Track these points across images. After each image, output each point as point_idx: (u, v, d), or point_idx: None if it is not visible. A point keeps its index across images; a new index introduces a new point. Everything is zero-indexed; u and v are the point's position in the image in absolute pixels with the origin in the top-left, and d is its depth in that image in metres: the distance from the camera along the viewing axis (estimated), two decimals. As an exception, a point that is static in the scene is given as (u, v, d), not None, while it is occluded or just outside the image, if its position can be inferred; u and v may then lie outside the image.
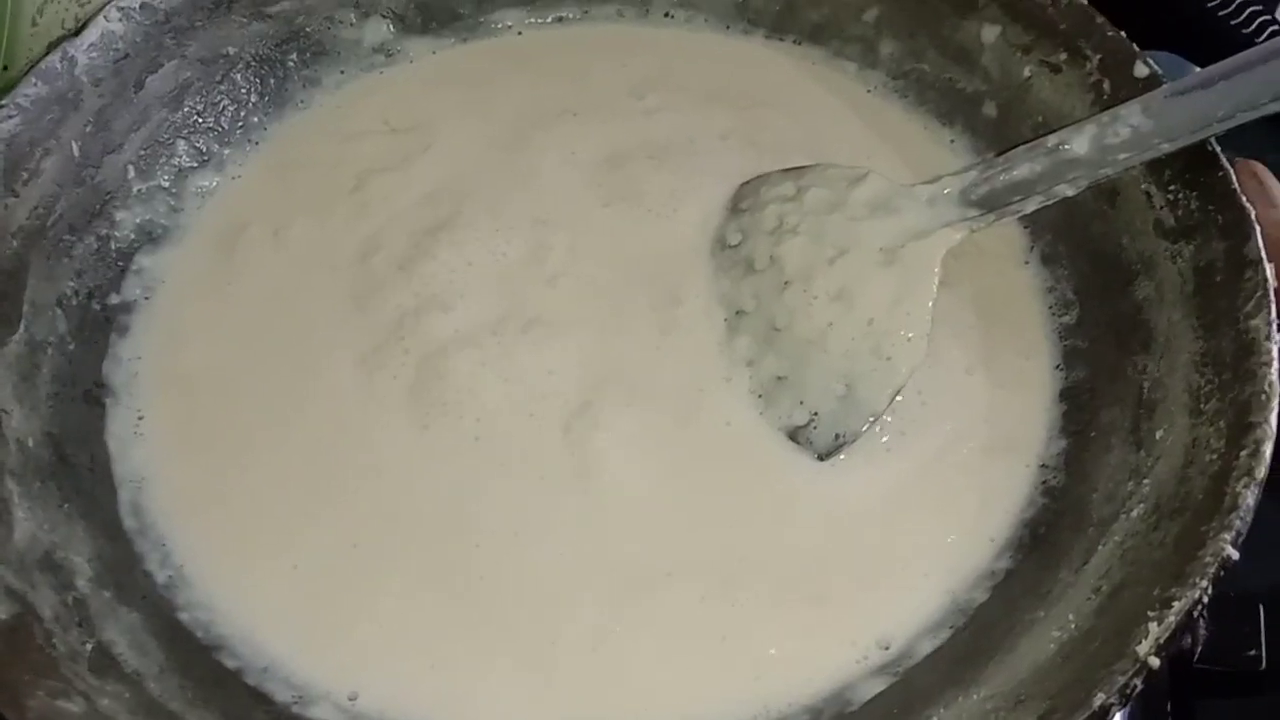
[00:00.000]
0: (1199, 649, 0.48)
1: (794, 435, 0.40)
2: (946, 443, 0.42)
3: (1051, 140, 0.40)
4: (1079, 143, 0.39)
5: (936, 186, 0.41)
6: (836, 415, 0.40)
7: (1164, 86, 0.39)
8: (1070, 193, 0.40)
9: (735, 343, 0.42)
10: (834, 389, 0.40)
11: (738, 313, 0.43)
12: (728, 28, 0.54)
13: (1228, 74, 0.37)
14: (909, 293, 0.40)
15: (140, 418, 0.43)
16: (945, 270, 0.45)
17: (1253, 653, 0.48)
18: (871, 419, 0.40)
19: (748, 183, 0.46)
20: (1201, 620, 0.49)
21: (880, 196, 0.42)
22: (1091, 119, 0.39)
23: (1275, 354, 0.36)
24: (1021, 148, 0.40)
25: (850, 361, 0.40)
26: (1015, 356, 0.44)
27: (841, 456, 0.40)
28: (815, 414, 0.40)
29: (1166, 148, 0.38)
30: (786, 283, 0.42)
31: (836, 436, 0.40)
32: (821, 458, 0.40)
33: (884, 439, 0.41)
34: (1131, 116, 0.39)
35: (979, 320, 0.45)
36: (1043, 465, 0.41)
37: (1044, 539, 0.38)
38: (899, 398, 0.40)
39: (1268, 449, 0.34)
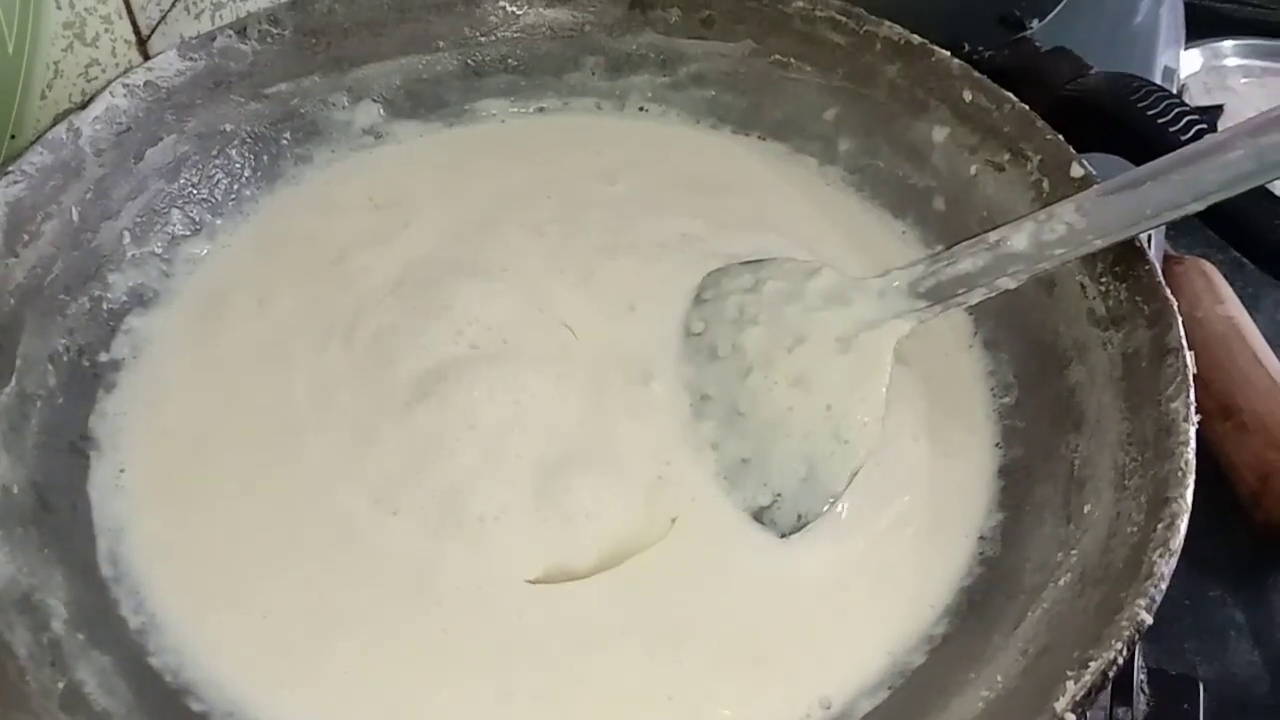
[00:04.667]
0: (1139, 723, 0.50)
1: (758, 515, 0.42)
2: (892, 516, 0.44)
3: (993, 236, 0.42)
4: (1018, 239, 0.41)
5: (886, 280, 0.43)
6: (799, 496, 0.42)
7: (1095, 186, 0.42)
8: (1011, 285, 0.42)
9: (701, 426, 0.44)
10: (796, 471, 0.42)
11: (703, 397, 0.45)
12: (698, 122, 0.57)
13: (1154, 175, 0.40)
14: (864, 379, 0.42)
15: (122, 470, 0.44)
16: (898, 350, 0.48)
17: (1190, 729, 0.50)
18: (831, 499, 0.42)
19: (710, 274, 0.48)
20: (1143, 694, 0.51)
21: (834, 289, 0.44)
22: (1029, 216, 0.42)
23: (1192, 435, 0.39)
24: (965, 243, 0.43)
25: (811, 444, 0.42)
26: (960, 434, 0.46)
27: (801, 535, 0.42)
28: (779, 495, 0.42)
29: (1099, 243, 0.41)
30: (748, 369, 0.44)
31: (799, 516, 0.42)
32: (784, 536, 0.42)
33: (837, 509, 0.43)
34: (1066, 214, 0.41)
35: (927, 400, 0.47)
36: (981, 537, 0.43)
37: (979, 605, 0.40)
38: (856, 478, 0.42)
39: (1183, 522, 0.36)
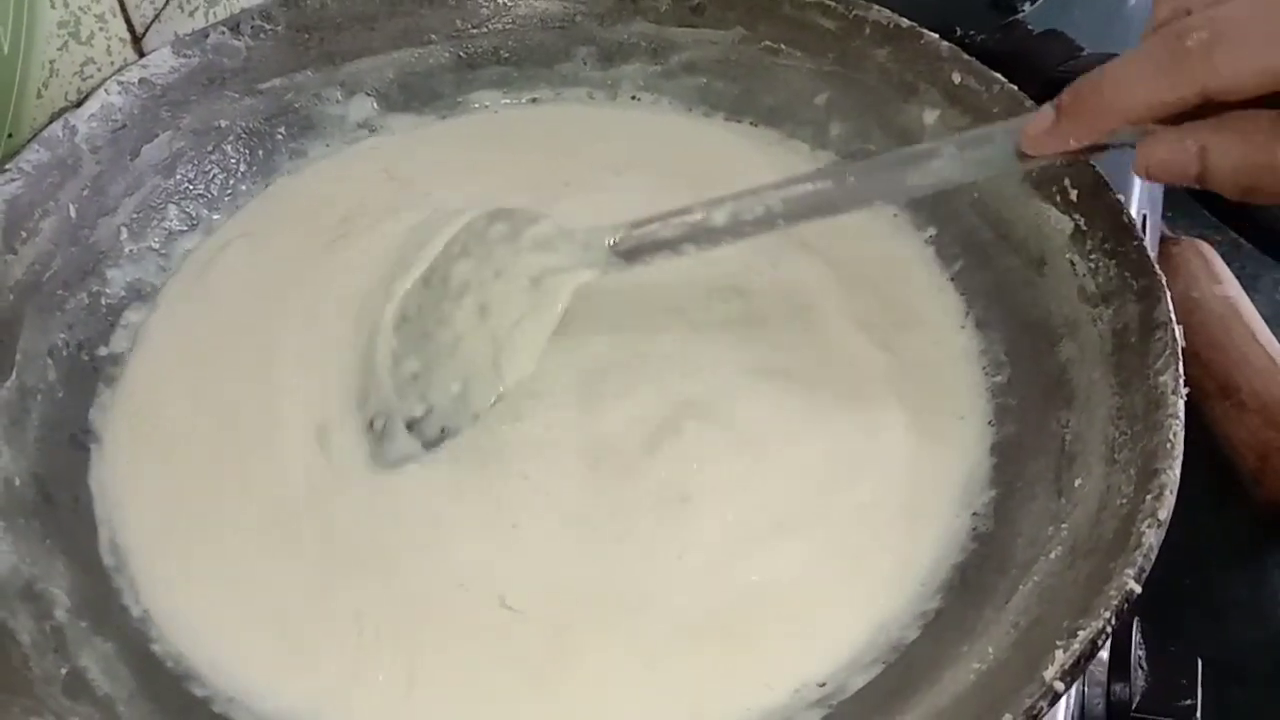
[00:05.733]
0: (1137, 698, 0.50)
1: (410, 425, 0.44)
2: (887, 497, 0.44)
3: (698, 213, 0.43)
4: (719, 216, 0.42)
5: (592, 234, 0.45)
6: (448, 411, 0.44)
7: (789, 177, 0.43)
8: (694, 251, 0.43)
9: (392, 340, 0.46)
10: (452, 389, 0.44)
11: (404, 318, 0.46)
12: (690, 110, 0.58)
13: (861, 170, 0.42)
14: (534, 315, 0.44)
15: (125, 462, 0.45)
16: (889, 337, 0.48)
17: (1188, 702, 0.50)
18: (475, 417, 0.44)
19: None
20: (1141, 671, 0.51)
21: (546, 236, 0.45)
22: (733, 196, 0.42)
23: (1181, 408, 0.39)
24: (672, 213, 0.43)
25: (471, 366, 0.44)
26: (952, 416, 0.46)
27: (440, 448, 0.44)
28: (431, 408, 0.44)
29: (782, 224, 0.42)
30: (446, 296, 0.45)
31: (443, 430, 0.44)
32: (426, 447, 0.44)
33: (824, 496, 0.44)
34: (769, 198, 0.42)
35: (920, 383, 0.47)
36: (974, 513, 0.43)
37: (972, 581, 0.40)
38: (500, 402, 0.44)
39: (1171, 493, 0.37)
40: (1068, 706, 0.46)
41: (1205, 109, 0.34)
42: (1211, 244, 0.78)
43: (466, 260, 0.46)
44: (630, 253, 0.44)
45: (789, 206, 0.42)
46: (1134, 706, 0.49)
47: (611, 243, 0.44)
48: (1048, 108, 0.37)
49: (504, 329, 0.43)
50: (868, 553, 0.42)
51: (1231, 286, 0.73)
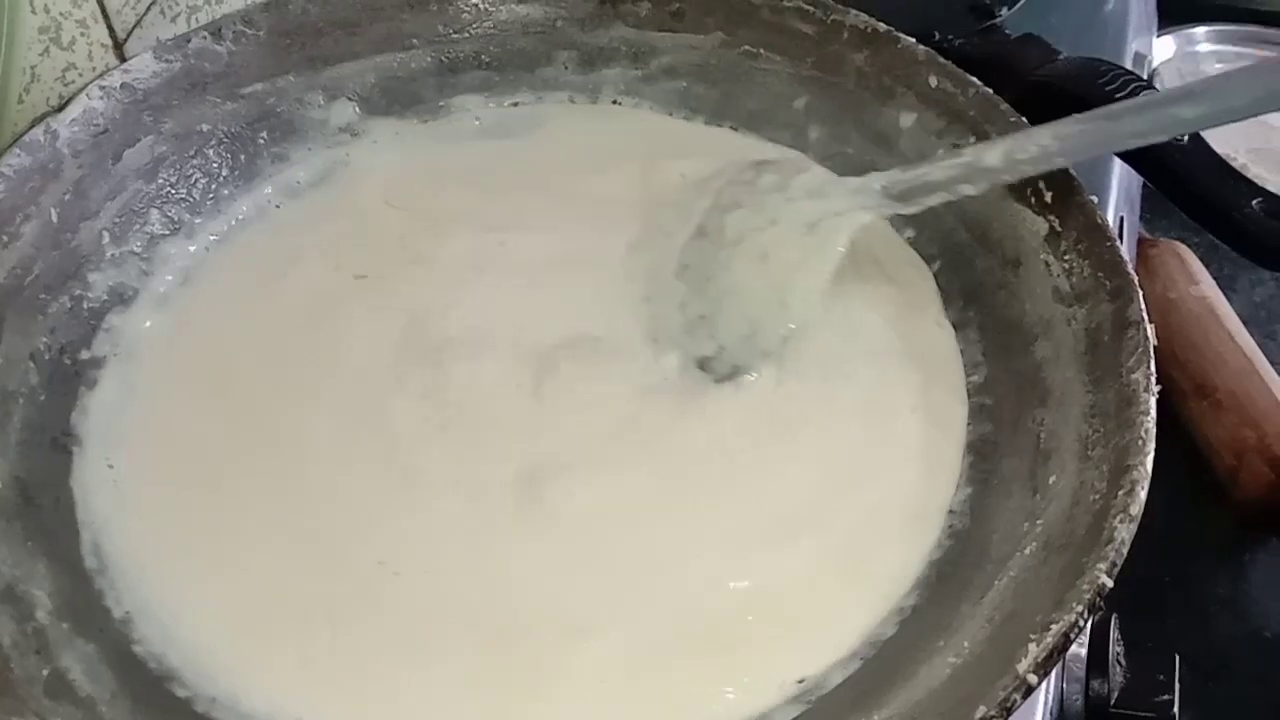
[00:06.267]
0: (1115, 694, 0.51)
1: (702, 364, 0.47)
2: (864, 497, 0.44)
3: (968, 153, 0.45)
4: (992, 155, 0.44)
5: (864, 180, 0.47)
6: (738, 350, 0.46)
7: (1073, 116, 0.44)
8: (972, 192, 0.45)
9: (676, 287, 0.48)
10: (740, 328, 0.46)
11: (684, 266, 0.49)
12: (670, 114, 0.58)
13: (1129, 110, 0.43)
14: (815, 253, 0.46)
15: (105, 465, 0.45)
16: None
17: (1166, 697, 0.51)
18: (765, 354, 0.46)
19: (722, 170, 0.52)
20: (1119, 667, 0.51)
21: (817, 184, 0.48)
22: (1006, 136, 0.45)
23: (1152, 404, 0.39)
24: (941, 156, 0.47)
25: (758, 308, 0.46)
26: (934, 416, 0.47)
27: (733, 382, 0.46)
28: (722, 348, 0.46)
29: (1061, 161, 0.44)
30: (724, 244, 0.48)
31: (734, 368, 0.46)
32: (718, 381, 0.46)
33: (802, 497, 0.44)
34: (1042, 138, 0.44)
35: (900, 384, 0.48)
36: (950, 511, 0.43)
37: (948, 576, 0.41)
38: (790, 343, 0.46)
39: (1143, 488, 0.37)
40: (1046, 702, 0.47)
41: None
42: (1189, 245, 0.79)
43: (739, 211, 0.48)
44: (903, 194, 0.46)
45: (1064, 144, 0.43)
46: (1112, 702, 0.50)
47: (883, 186, 0.46)
48: None
49: (786, 271, 0.46)
50: (845, 550, 0.43)
51: (1209, 287, 0.74)
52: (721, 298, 0.47)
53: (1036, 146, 0.43)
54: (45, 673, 0.37)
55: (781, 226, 0.47)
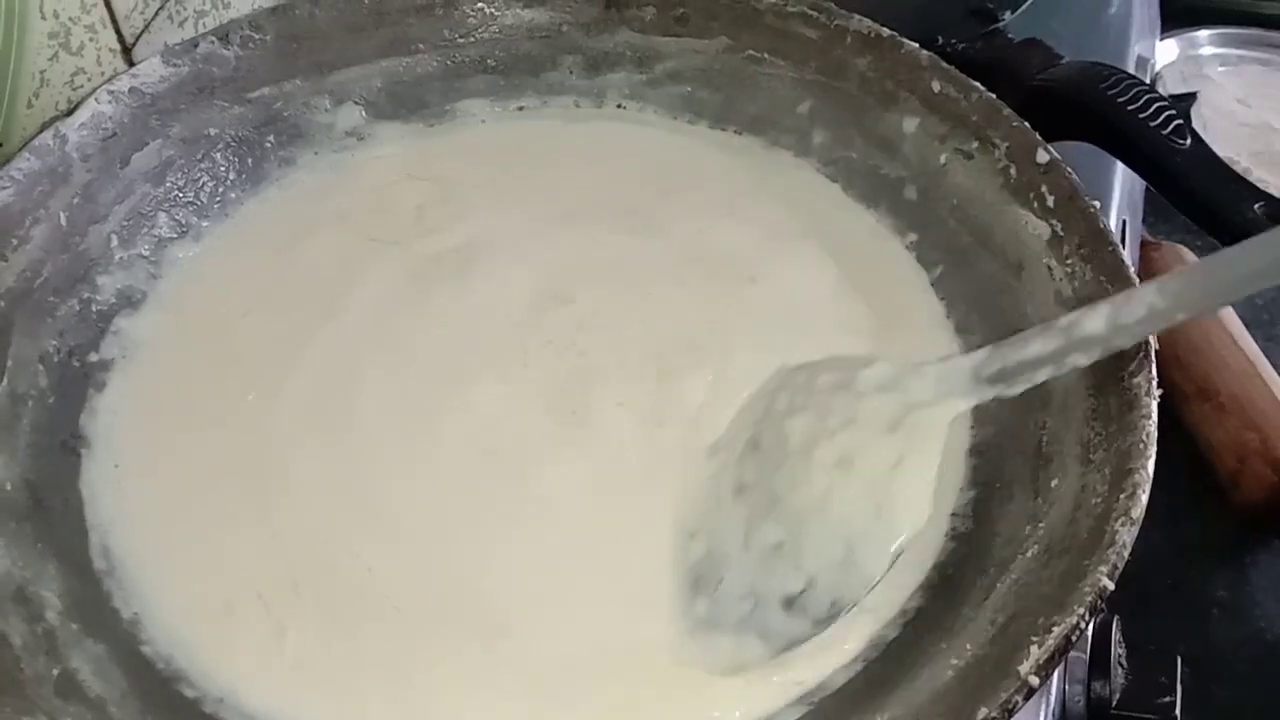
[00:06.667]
0: (1117, 696, 0.51)
1: (788, 604, 0.39)
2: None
3: (1064, 320, 0.39)
4: (1093, 322, 0.38)
5: (946, 366, 0.41)
6: (835, 580, 0.38)
7: (1179, 269, 0.41)
8: (1085, 362, 0.39)
9: (735, 512, 0.42)
10: (833, 552, 0.39)
11: (742, 487, 0.42)
12: (674, 118, 0.58)
13: (1236, 256, 0.37)
14: (911, 452, 0.39)
15: (113, 467, 0.45)
16: (871, 341, 0.49)
17: (1167, 699, 0.51)
18: (870, 583, 0.38)
19: (770, 381, 0.45)
20: (1120, 669, 0.52)
21: (888, 378, 0.41)
22: (1107, 300, 0.39)
23: (1154, 408, 0.40)
24: (1035, 329, 0.40)
25: (850, 524, 0.39)
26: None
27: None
28: (812, 579, 0.39)
29: (1181, 317, 0.37)
30: (789, 455, 0.41)
31: (832, 603, 0.38)
32: (817, 625, 0.39)
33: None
34: (1148, 296, 0.38)
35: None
36: (953, 514, 0.44)
37: (951, 579, 0.41)
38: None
39: (1144, 492, 0.37)
40: (1048, 704, 0.47)
41: None
42: (1191, 248, 0.79)
43: (801, 415, 0.41)
44: (999, 376, 0.39)
45: (1175, 301, 0.37)
46: (1114, 704, 0.50)
47: (973, 368, 0.40)
48: None
49: (881, 476, 0.39)
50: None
51: (1210, 291, 0.74)
52: (803, 517, 0.39)
53: (1144, 307, 0.37)
54: (55, 673, 0.37)
55: (858, 426, 0.40)
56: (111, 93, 0.50)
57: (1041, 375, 0.39)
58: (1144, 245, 0.77)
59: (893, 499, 0.38)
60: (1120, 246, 0.45)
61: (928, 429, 0.39)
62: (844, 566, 0.38)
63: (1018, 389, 0.39)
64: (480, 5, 0.57)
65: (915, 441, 0.39)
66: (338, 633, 0.41)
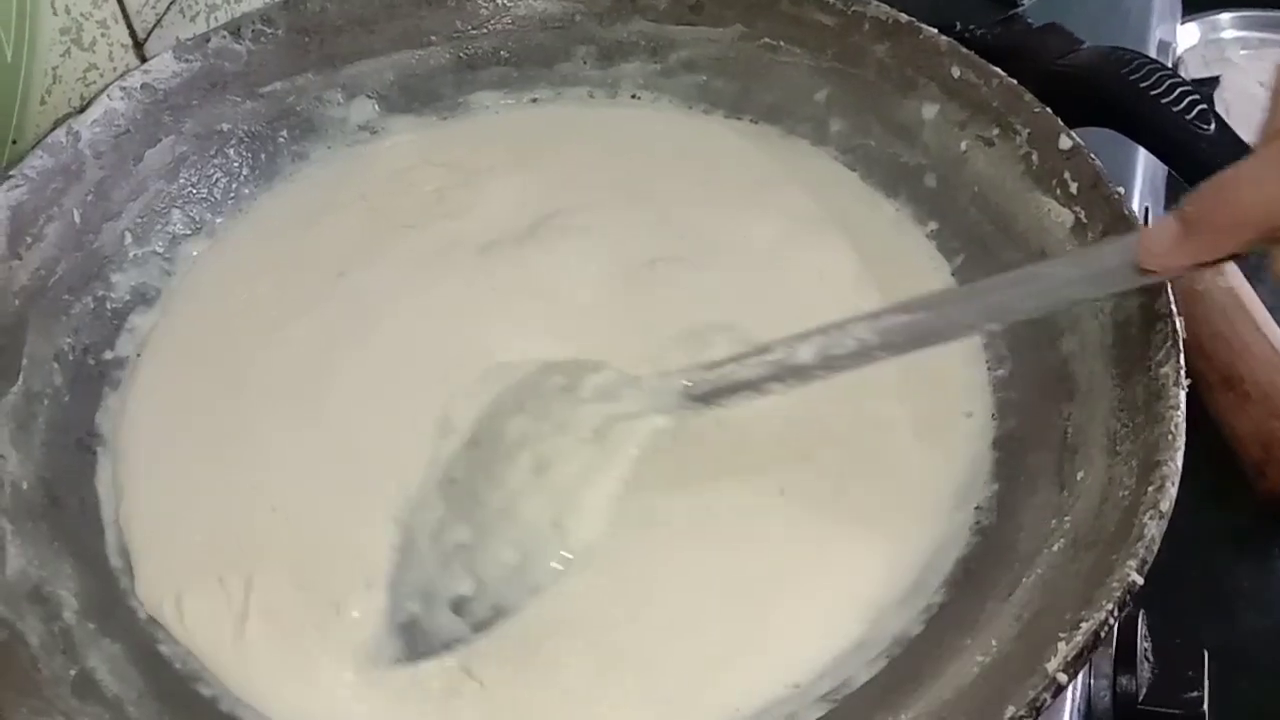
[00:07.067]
0: (1144, 691, 0.50)
1: (456, 607, 0.39)
2: (893, 492, 0.44)
3: (780, 350, 0.39)
4: (805, 351, 0.39)
5: (663, 381, 0.41)
6: (501, 586, 0.39)
7: (895, 304, 0.39)
8: (782, 391, 0.40)
9: (434, 507, 0.42)
10: (507, 558, 0.39)
11: (451, 481, 0.42)
12: (690, 108, 0.58)
13: (954, 299, 0.40)
14: (600, 466, 0.40)
15: (128, 465, 0.45)
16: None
17: (1195, 694, 0.50)
18: (533, 591, 0.38)
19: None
20: (1147, 663, 0.51)
21: (610, 385, 0.42)
22: (820, 330, 0.39)
23: (1182, 399, 0.39)
24: (752, 352, 0.40)
25: (528, 531, 0.39)
26: (960, 413, 0.46)
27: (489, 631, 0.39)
28: (482, 583, 0.39)
29: (882, 355, 0.39)
30: (497, 455, 0.41)
31: (493, 609, 0.39)
32: (475, 631, 0.39)
33: (831, 493, 0.44)
34: (859, 331, 0.39)
35: (924, 378, 0.47)
36: (977, 508, 0.43)
37: (975, 574, 0.41)
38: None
39: (1173, 484, 0.37)
40: (1074, 699, 0.46)
41: None
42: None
43: (521, 416, 0.42)
44: (706, 396, 0.40)
45: (885, 338, 0.38)
46: (1140, 699, 0.49)
47: (684, 385, 0.40)
48: (1169, 219, 0.34)
49: (566, 485, 0.39)
50: (873, 548, 0.43)
51: (1235, 277, 0.73)
52: (489, 520, 0.40)
53: (854, 340, 0.38)
54: (72, 673, 0.37)
55: (566, 433, 0.40)
56: (124, 89, 0.50)
57: (742, 399, 0.40)
58: (1167, 232, 0.76)
59: (571, 513, 0.39)
60: (1145, 234, 0.44)
61: (622, 443, 0.40)
62: (513, 574, 0.39)
63: (716, 407, 0.40)
64: (492, -4, 0.57)
65: (608, 453, 0.40)
66: (358, 632, 0.40)
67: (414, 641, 0.39)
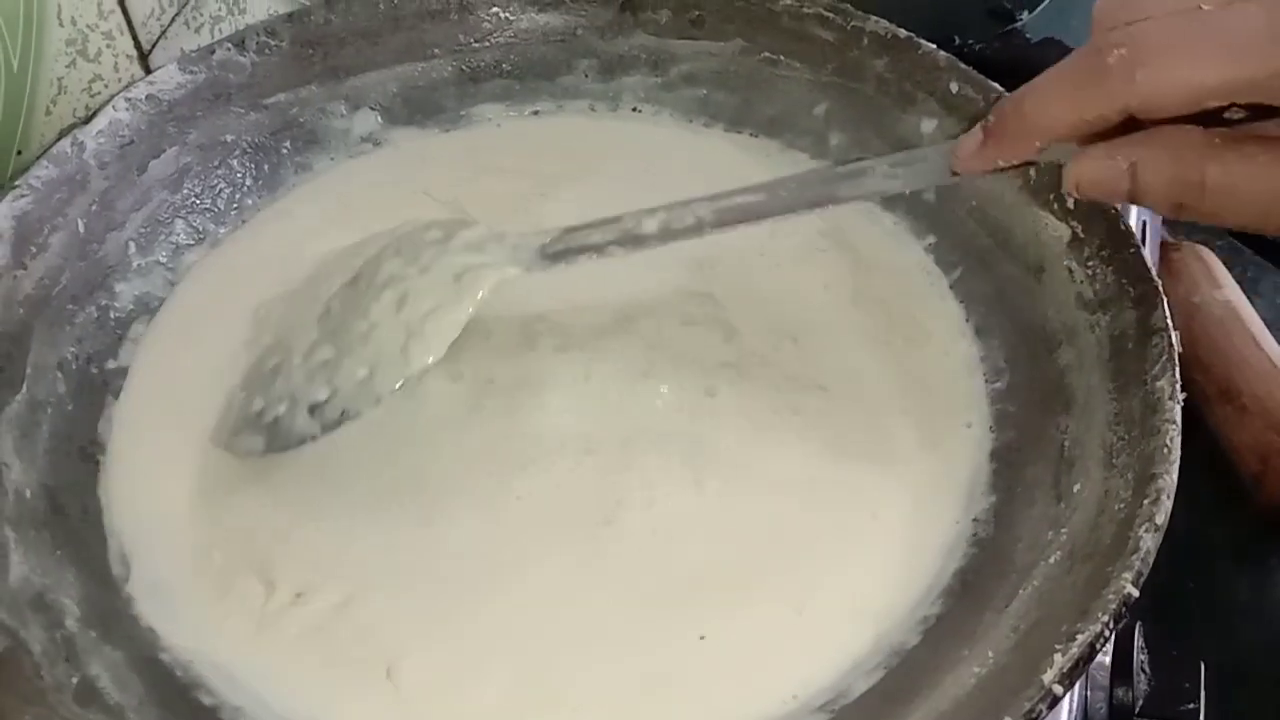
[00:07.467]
0: (1140, 702, 0.50)
1: (313, 410, 0.44)
2: (890, 504, 0.44)
3: (628, 220, 0.43)
4: (650, 224, 0.43)
5: (524, 238, 0.45)
6: (350, 395, 0.43)
7: (731, 189, 0.43)
8: (622, 255, 0.43)
9: (312, 333, 0.46)
10: (358, 373, 0.44)
11: (327, 312, 0.46)
12: (690, 121, 0.58)
13: (789, 182, 0.42)
14: (449, 304, 0.43)
15: (130, 473, 0.45)
16: (889, 345, 0.49)
17: (1191, 706, 0.50)
18: (377, 400, 0.43)
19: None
20: (1144, 675, 0.51)
21: (477, 238, 0.45)
22: (665, 206, 0.43)
23: (1178, 412, 0.39)
24: (604, 219, 0.44)
25: (379, 352, 0.44)
26: (958, 425, 0.47)
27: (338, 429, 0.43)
28: (335, 391, 0.44)
29: (711, 232, 0.42)
30: (368, 291, 0.45)
31: (343, 413, 0.43)
32: (324, 429, 0.43)
33: (828, 505, 0.44)
34: (700, 209, 0.42)
35: (922, 390, 0.48)
36: (974, 519, 0.43)
37: (972, 585, 0.41)
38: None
39: (1168, 497, 0.37)
40: (1070, 710, 0.46)
41: (1134, 125, 0.33)
42: (1212, 249, 0.78)
43: (396, 259, 0.46)
44: (558, 255, 0.44)
45: (719, 216, 0.42)
46: (1137, 710, 0.50)
47: (541, 245, 0.44)
48: (977, 128, 0.38)
49: (417, 318, 0.43)
50: (870, 559, 0.43)
51: (1232, 291, 0.73)
52: (350, 342, 0.44)
53: (693, 217, 0.42)
54: (74, 681, 0.37)
55: (429, 275, 0.45)
56: (129, 100, 0.50)
57: (586, 258, 0.43)
58: (1164, 246, 0.77)
59: (416, 340, 0.43)
60: (1142, 247, 0.44)
61: (473, 286, 0.44)
62: (361, 385, 0.43)
63: (566, 265, 0.44)
64: (495, 9, 0.57)
65: (457, 293, 0.44)
66: (361, 641, 0.41)
67: (274, 437, 0.44)
